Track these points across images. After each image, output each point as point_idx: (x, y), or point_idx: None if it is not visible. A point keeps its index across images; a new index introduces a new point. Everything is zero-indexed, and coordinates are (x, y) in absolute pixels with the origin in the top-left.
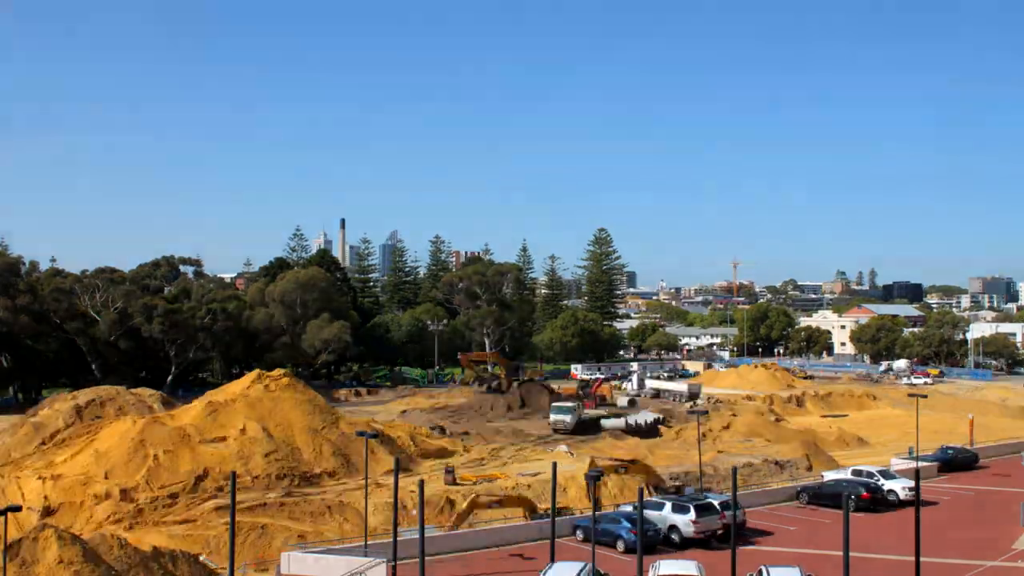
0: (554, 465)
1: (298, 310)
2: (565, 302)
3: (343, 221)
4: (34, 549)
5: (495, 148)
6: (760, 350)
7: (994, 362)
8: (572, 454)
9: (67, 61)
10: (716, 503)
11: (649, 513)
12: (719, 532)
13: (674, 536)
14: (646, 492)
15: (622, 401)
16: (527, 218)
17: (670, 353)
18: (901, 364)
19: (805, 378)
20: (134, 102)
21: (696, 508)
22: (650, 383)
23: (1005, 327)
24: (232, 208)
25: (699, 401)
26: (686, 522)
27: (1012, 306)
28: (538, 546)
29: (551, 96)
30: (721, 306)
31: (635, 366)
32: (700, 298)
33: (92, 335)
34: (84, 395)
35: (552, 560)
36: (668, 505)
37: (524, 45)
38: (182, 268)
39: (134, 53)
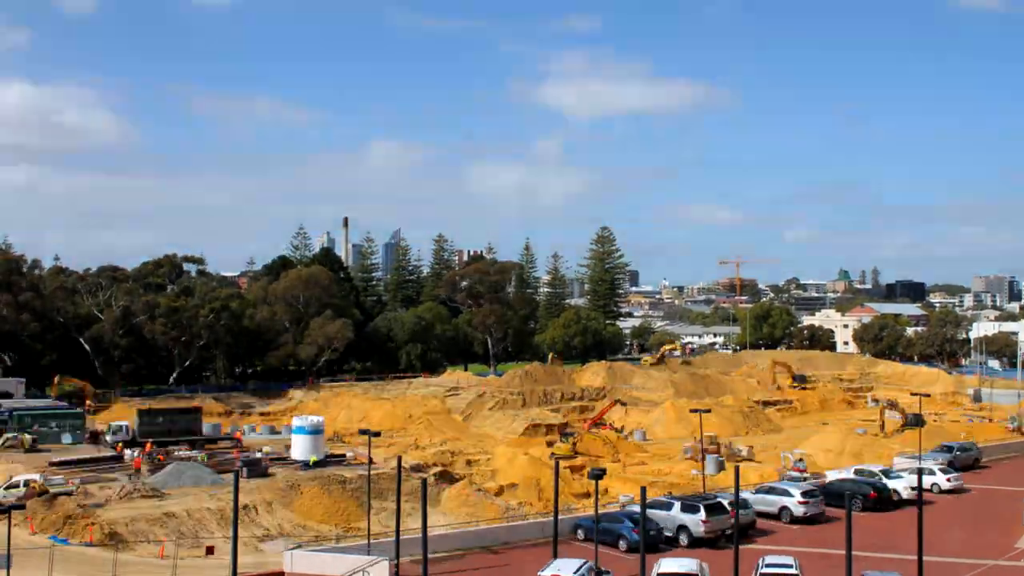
0: (556, 463)
1: (301, 308)
2: (568, 301)
3: (346, 220)
4: None
5: (497, 144)
6: (763, 349)
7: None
8: None
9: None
10: (725, 503)
11: (658, 513)
12: (728, 532)
13: (683, 537)
14: None
15: None
16: (529, 215)
17: (672, 352)
18: None
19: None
20: (135, 99)
21: (706, 507)
22: None
23: (1008, 326)
24: (235, 206)
25: None
26: (696, 522)
27: (1015, 305)
28: (539, 544)
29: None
30: (725, 305)
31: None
32: (703, 297)
33: (95, 333)
34: None
35: (554, 557)
36: (677, 504)
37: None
38: (185, 266)
39: (136, 53)
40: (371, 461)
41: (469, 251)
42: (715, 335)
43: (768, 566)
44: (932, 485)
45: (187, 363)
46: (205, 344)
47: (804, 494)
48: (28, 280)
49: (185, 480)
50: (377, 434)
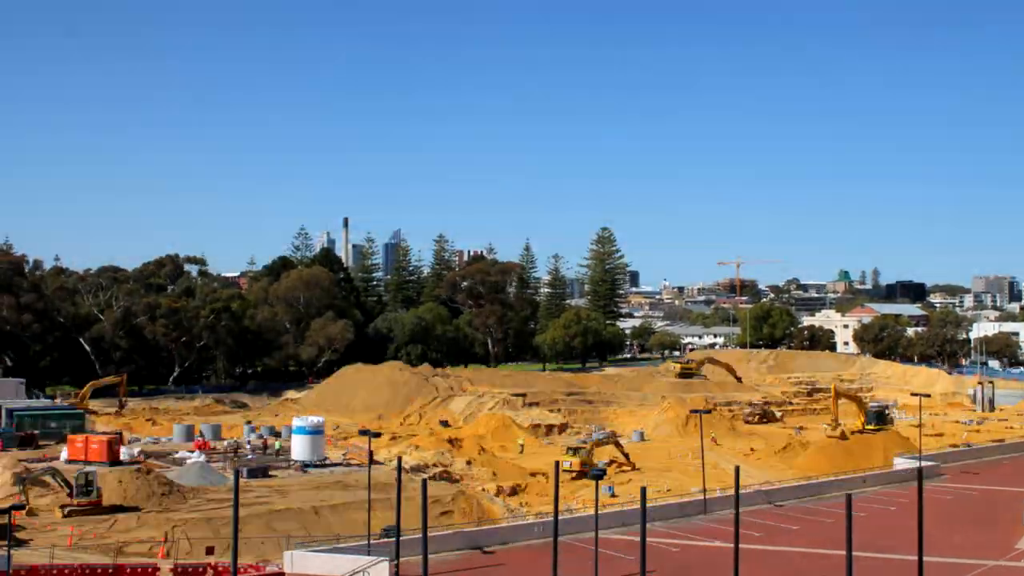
0: (557, 464)
1: (301, 309)
2: (568, 301)
3: (346, 220)
4: None
5: (498, 145)
6: (763, 349)
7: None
8: None
9: (65, 62)
10: None
11: None
12: None
13: None
14: None
15: None
16: (530, 215)
17: (672, 352)
18: None
19: None
20: (136, 100)
21: None
22: None
23: (1008, 326)
24: (236, 206)
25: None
26: None
27: (1015, 305)
28: (539, 545)
29: (554, 97)
30: (725, 305)
31: None
32: (703, 297)
33: (95, 334)
34: None
35: (555, 558)
36: None
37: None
38: (186, 267)
39: (136, 53)
40: (371, 461)
41: (469, 251)
42: (715, 335)
43: None
44: None
45: (187, 364)
46: (205, 345)
47: None
48: (29, 281)
49: (188, 480)
50: (377, 435)
